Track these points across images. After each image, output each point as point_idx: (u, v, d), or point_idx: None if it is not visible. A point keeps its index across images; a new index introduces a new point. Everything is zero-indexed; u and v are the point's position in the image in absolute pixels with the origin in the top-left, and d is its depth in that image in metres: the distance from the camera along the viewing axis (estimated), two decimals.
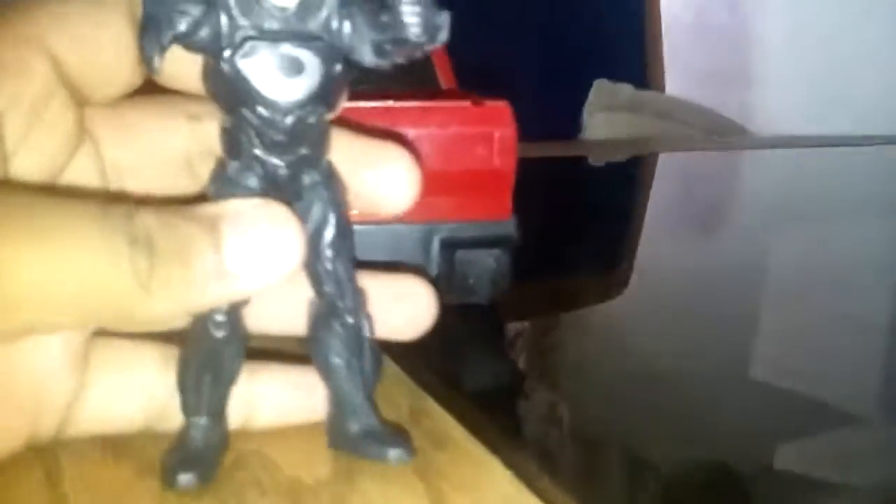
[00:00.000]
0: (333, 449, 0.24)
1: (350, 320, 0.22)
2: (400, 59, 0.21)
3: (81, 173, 0.23)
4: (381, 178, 0.24)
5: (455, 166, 0.31)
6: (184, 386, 0.22)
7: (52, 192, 0.21)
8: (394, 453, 0.23)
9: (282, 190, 0.21)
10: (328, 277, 0.22)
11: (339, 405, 0.23)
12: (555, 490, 0.23)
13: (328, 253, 0.22)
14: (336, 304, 0.22)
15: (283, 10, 0.20)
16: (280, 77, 0.20)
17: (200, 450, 0.22)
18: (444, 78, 0.40)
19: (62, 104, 0.22)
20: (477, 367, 0.33)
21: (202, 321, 0.21)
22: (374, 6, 0.20)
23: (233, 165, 0.21)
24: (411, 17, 0.19)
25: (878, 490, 0.25)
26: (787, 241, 0.56)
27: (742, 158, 1.01)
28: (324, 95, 0.20)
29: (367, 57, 0.20)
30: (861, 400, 0.31)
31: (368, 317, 0.23)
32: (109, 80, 0.22)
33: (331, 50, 0.20)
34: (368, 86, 0.34)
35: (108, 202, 0.19)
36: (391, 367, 0.30)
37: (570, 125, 1.03)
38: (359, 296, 0.23)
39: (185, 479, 0.21)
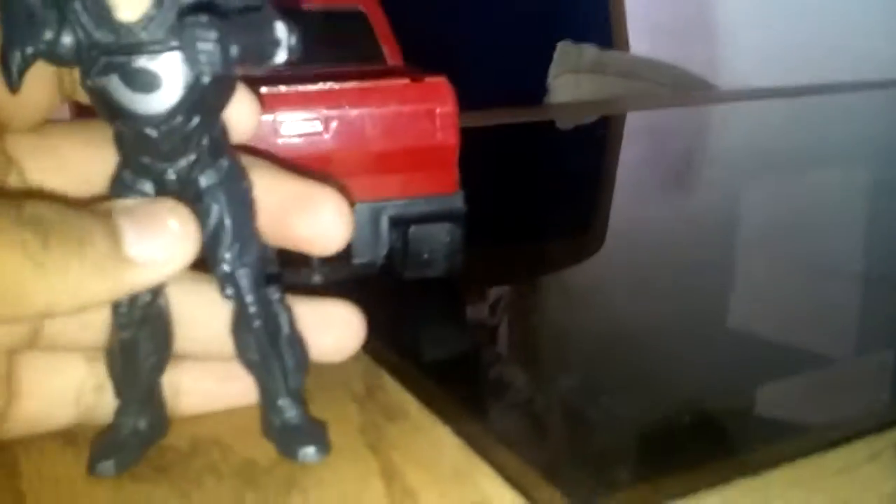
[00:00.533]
0: (266, 438, 0.24)
1: (257, 322, 0.22)
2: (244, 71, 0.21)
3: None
4: (311, 223, 0.24)
5: (398, 144, 0.31)
6: (112, 376, 0.23)
7: None
8: (303, 452, 0.23)
9: (178, 193, 0.21)
10: (228, 281, 0.22)
11: (264, 400, 0.24)
12: (509, 456, 0.24)
13: (226, 256, 0.22)
14: (241, 308, 0.22)
15: (129, 24, 0.19)
16: (136, 92, 0.19)
17: (126, 437, 0.23)
18: (390, 53, 0.40)
19: None
20: (433, 340, 0.33)
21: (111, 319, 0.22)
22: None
23: (127, 172, 0.21)
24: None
25: (843, 425, 0.25)
26: (757, 193, 0.56)
27: (709, 113, 1.01)
28: (194, 105, 0.20)
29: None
30: (832, 344, 0.32)
31: (286, 312, 0.23)
32: (26, 105, 0.22)
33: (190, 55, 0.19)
34: (311, 64, 0.34)
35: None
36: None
37: (535, 89, 1.03)
38: (266, 295, 0.23)
39: (103, 466, 0.22)
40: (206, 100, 0.20)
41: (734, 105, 1.03)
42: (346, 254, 0.32)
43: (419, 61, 0.37)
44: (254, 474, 0.22)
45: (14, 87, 0.19)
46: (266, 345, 0.23)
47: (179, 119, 0.20)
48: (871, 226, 0.48)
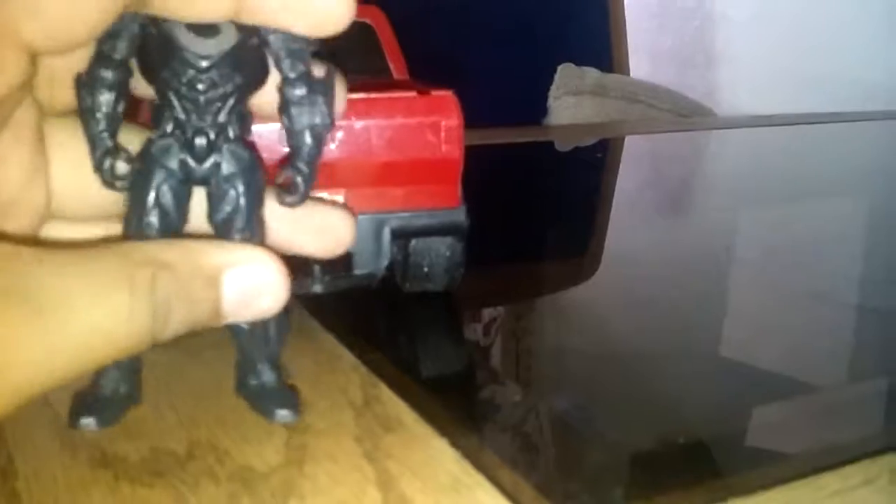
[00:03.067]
0: (238, 395, 0.26)
1: None
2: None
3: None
4: (318, 221, 0.26)
5: (403, 156, 0.31)
6: None
7: (75, 248, 0.21)
8: (280, 413, 0.25)
9: (199, 175, 0.23)
10: None
11: (243, 362, 0.25)
12: (503, 469, 0.24)
13: (236, 238, 0.24)
14: None
15: None
16: (198, 35, 0.22)
17: (107, 398, 0.24)
18: (396, 68, 0.41)
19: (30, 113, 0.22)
20: (431, 353, 0.33)
21: None
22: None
23: (157, 145, 0.23)
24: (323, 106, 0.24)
25: (838, 449, 0.25)
26: (754, 220, 0.57)
27: (708, 139, 1.02)
28: (238, 63, 0.23)
29: (272, 59, 0.23)
30: (827, 374, 0.32)
31: None
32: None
33: (246, 25, 0.23)
34: None
35: (133, 263, 0.20)
36: (346, 356, 0.30)
37: (535, 110, 1.04)
38: None
39: (86, 421, 0.23)
40: (248, 62, 0.23)
41: (732, 132, 1.04)
42: (347, 264, 0.32)
43: (422, 77, 0.37)
44: (251, 480, 0.22)
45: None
46: None
47: (226, 70, 0.22)
48: (865, 255, 0.48)
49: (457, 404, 0.28)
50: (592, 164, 0.84)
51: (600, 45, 1.16)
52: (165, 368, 0.27)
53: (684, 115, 1.06)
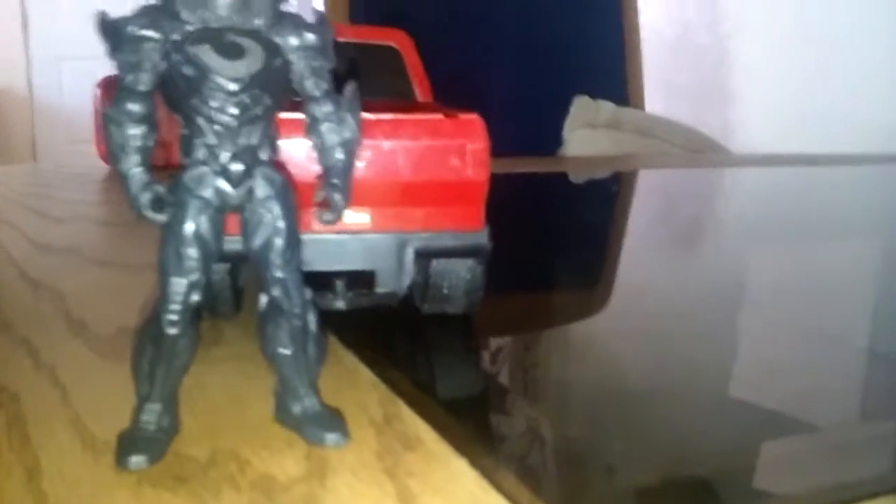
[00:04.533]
0: (279, 423, 0.26)
1: (296, 322, 0.24)
2: None
3: None
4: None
5: (428, 177, 0.31)
6: (138, 374, 0.24)
7: None
8: (330, 437, 0.25)
9: (234, 202, 0.23)
10: (276, 283, 0.24)
11: (285, 389, 0.25)
12: (521, 490, 0.24)
13: (277, 262, 0.24)
14: (282, 306, 0.24)
15: (223, 5, 0.22)
16: (225, 58, 0.22)
17: (153, 433, 0.24)
18: (421, 91, 0.41)
19: None
20: (449, 374, 0.34)
21: (157, 319, 0.23)
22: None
23: (190, 174, 0.23)
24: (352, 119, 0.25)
25: (846, 489, 0.25)
26: (765, 258, 0.57)
27: (722, 176, 1.02)
28: (266, 83, 0.23)
29: (295, 78, 0.24)
30: (837, 415, 0.32)
31: (315, 312, 0.25)
32: None
33: (270, 43, 0.23)
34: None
35: None
36: (366, 374, 0.31)
37: (550, 141, 1.04)
38: (305, 296, 0.25)
39: (136, 460, 0.23)
40: (274, 83, 0.23)
41: (745, 170, 1.04)
42: (369, 282, 0.33)
43: (446, 102, 0.38)
44: (271, 489, 0.22)
45: None
46: (299, 340, 0.25)
47: (255, 92, 0.22)
48: (876, 296, 0.48)
49: (474, 426, 0.28)
50: (606, 197, 0.84)
51: (616, 79, 1.17)
52: (186, 378, 0.28)
53: (698, 151, 1.06)
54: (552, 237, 0.60)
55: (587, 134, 1.03)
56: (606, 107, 1.07)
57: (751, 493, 0.26)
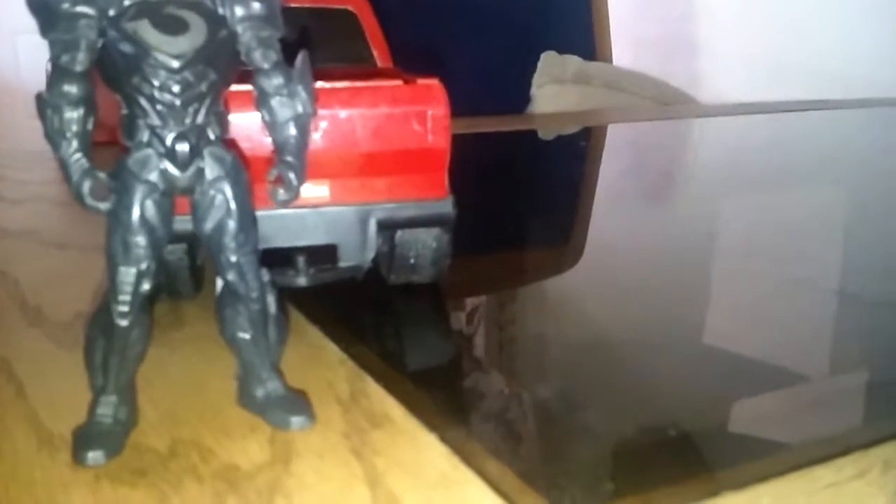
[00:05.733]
0: (241, 407, 0.25)
1: (255, 306, 0.24)
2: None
3: None
4: None
5: (389, 146, 0.30)
6: (91, 366, 0.23)
7: None
8: (296, 420, 0.24)
9: (182, 185, 0.22)
10: (231, 267, 0.23)
11: (247, 373, 0.25)
12: (493, 464, 0.23)
13: (231, 245, 0.23)
14: (238, 290, 0.24)
15: None
16: (165, 34, 0.21)
17: (109, 426, 0.23)
18: (380, 56, 0.40)
19: None
20: (418, 346, 0.33)
21: (107, 309, 0.22)
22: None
23: (133, 157, 0.22)
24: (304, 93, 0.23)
25: (831, 441, 0.25)
26: (736, 208, 0.57)
27: (691, 127, 1.01)
28: (211, 58, 0.21)
29: (242, 50, 0.22)
30: (816, 365, 0.32)
31: (274, 293, 0.25)
32: None
33: (214, 15, 0.22)
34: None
35: None
36: (332, 349, 0.30)
37: (518, 98, 1.03)
38: (262, 279, 0.24)
39: (93, 456, 0.22)
40: (220, 57, 0.22)
41: (715, 120, 1.04)
42: (332, 256, 0.32)
43: (406, 67, 0.37)
44: (235, 478, 0.22)
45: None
46: (259, 323, 0.24)
47: (200, 68, 0.21)
48: (846, 241, 0.48)
49: (444, 398, 0.28)
50: (576, 153, 0.84)
51: (583, 34, 1.16)
52: (145, 363, 0.27)
53: (667, 103, 1.06)
54: (522, 196, 0.59)
55: (555, 90, 1.02)
56: (574, 61, 1.06)
57: (739, 448, 0.25)
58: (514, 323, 0.38)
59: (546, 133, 0.95)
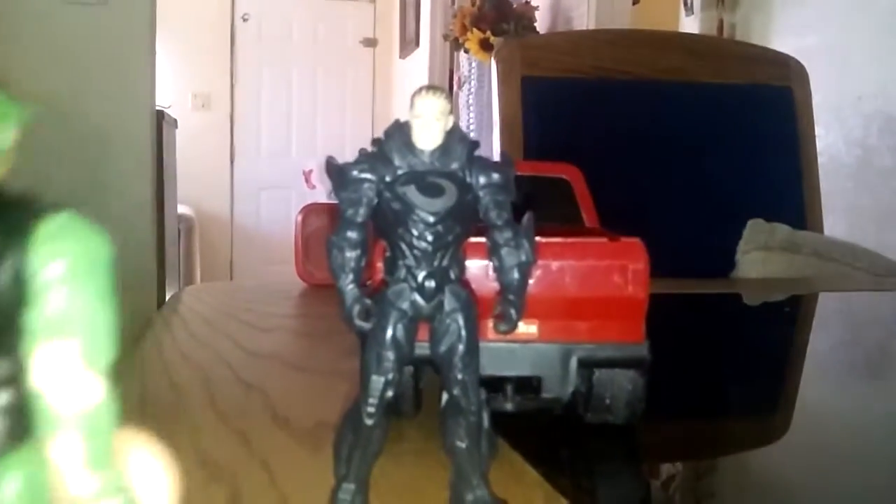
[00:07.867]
0: None
1: (472, 418, 0.28)
2: None
3: None
4: None
5: (592, 293, 0.35)
6: (338, 457, 0.28)
7: None
8: None
9: (426, 313, 0.27)
10: (457, 384, 0.27)
11: (459, 479, 0.28)
12: None
13: (459, 364, 0.27)
14: (461, 404, 0.28)
15: (427, 153, 0.27)
16: (426, 196, 0.26)
17: None
18: (588, 218, 0.45)
19: None
20: (611, 483, 0.36)
21: (357, 410, 0.27)
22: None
23: (392, 289, 0.27)
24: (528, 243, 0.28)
25: None
26: None
27: None
28: (458, 216, 0.27)
29: (481, 210, 0.27)
30: None
31: (488, 411, 0.28)
32: None
33: (463, 182, 0.27)
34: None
35: None
36: (531, 473, 0.33)
37: (722, 263, 1.04)
38: (480, 396, 0.28)
39: None
40: (465, 217, 0.27)
41: None
42: (536, 388, 0.36)
43: (613, 228, 0.41)
44: None
45: None
46: (474, 434, 0.28)
47: (448, 224, 0.27)
48: None
49: None
50: (782, 320, 0.83)
51: (792, 205, 1.16)
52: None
53: (881, 274, 1.03)
54: (726, 360, 0.59)
55: (761, 256, 1.03)
56: (782, 229, 1.06)
57: None
58: (713, 498, 0.38)
59: (752, 299, 0.95)
